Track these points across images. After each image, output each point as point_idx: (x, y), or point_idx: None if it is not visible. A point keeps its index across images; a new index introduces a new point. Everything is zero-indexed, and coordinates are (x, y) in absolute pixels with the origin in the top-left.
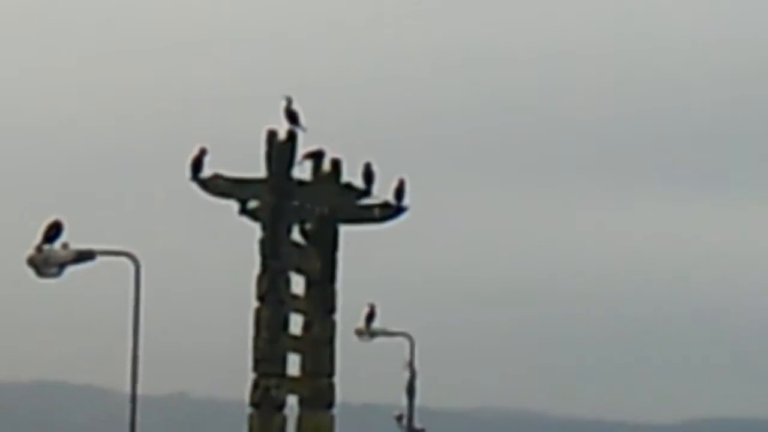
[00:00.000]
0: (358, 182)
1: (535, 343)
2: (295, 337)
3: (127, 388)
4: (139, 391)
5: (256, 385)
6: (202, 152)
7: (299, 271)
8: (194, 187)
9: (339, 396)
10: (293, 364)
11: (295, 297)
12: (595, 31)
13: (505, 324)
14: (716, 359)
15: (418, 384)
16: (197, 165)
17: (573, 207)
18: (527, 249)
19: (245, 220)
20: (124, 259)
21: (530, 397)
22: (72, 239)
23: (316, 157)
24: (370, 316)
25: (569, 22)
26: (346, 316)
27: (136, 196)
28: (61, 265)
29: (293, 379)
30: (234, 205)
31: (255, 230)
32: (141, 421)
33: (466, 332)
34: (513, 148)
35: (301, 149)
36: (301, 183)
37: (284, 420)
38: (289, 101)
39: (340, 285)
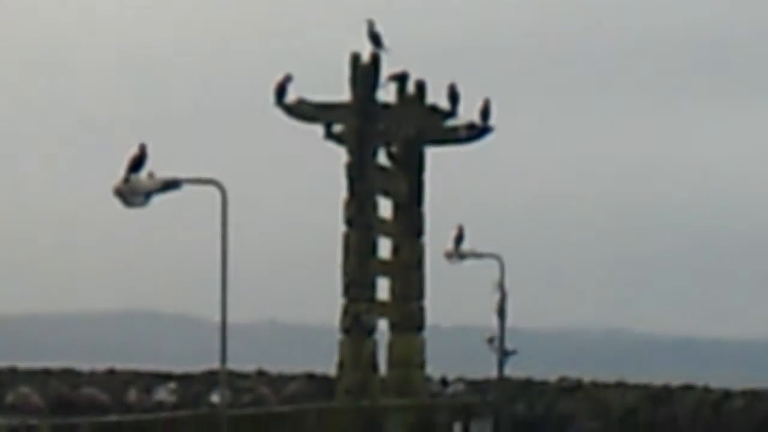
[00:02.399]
0: (443, 103)
1: (622, 262)
2: (383, 261)
3: (217, 317)
4: (229, 319)
5: (346, 311)
6: (287, 78)
7: (386, 194)
8: (279, 112)
9: (429, 319)
10: (383, 288)
11: (382, 221)
12: None
13: (592, 244)
14: None
15: (509, 305)
16: (281, 90)
17: (664, 130)
18: (615, 170)
19: (331, 145)
20: (210, 187)
21: (622, 316)
22: (157, 168)
23: (401, 79)
24: (459, 238)
25: None
26: (435, 239)
27: (220, 123)
28: (148, 194)
29: (383, 303)
30: (319, 130)
31: (341, 154)
32: (231, 348)
33: (554, 253)
34: (603, 70)
35: (385, 72)
36: (385, 106)
37: (375, 344)
38: (372, 24)
39: (427, 207)
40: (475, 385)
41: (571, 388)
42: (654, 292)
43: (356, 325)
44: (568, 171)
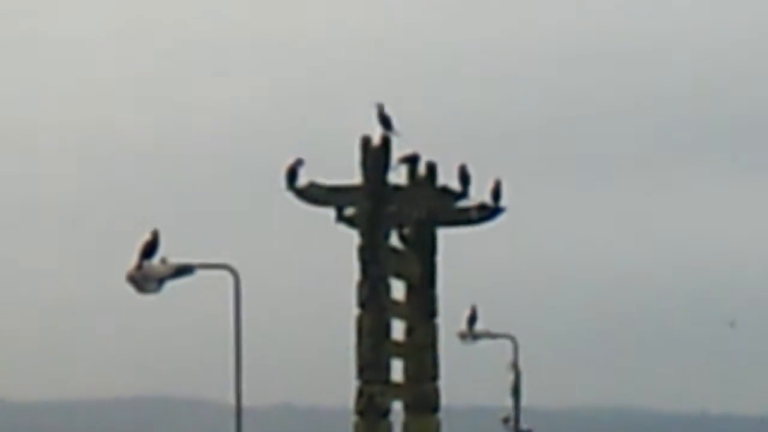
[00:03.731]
0: (454, 185)
1: (638, 340)
2: (397, 343)
3: (232, 401)
4: (244, 403)
5: (360, 393)
6: (298, 162)
7: (399, 276)
8: (290, 196)
9: (444, 400)
10: (397, 370)
11: (396, 303)
12: None
13: (607, 322)
14: None
15: (523, 385)
16: (292, 174)
17: (676, 203)
18: (627, 246)
19: (343, 228)
20: (223, 272)
21: (634, 393)
22: (169, 254)
23: (411, 161)
24: (472, 319)
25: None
26: (448, 320)
27: (232, 208)
28: (161, 280)
29: (397, 385)
30: (331, 213)
31: (353, 237)
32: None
33: (569, 331)
34: (609, 145)
35: (396, 154)
36: (397, 188)
37: (390, 426)
38: (381, 107)
39: (440, 289)
40: None
41: None
42: (671, 369)
43: (370, 408)
44: (581, 250)
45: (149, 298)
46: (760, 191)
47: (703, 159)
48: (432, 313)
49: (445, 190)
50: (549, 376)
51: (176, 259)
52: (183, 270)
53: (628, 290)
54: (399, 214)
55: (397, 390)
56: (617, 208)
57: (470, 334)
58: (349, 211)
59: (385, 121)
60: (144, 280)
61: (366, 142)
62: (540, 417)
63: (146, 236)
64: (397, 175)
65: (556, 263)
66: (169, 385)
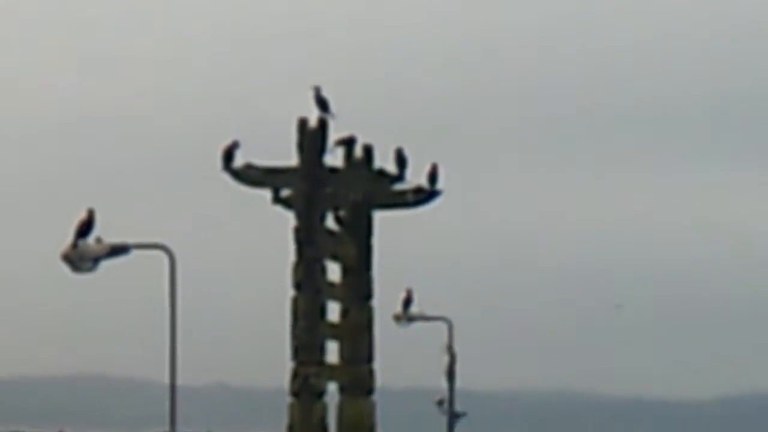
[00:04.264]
0: (391, 168)
1: (573, 323)
2: (332, 325)
3: (167, 380)
4: (179, 381)
5: (295, 374)
6: (234, 144)
7: (335, 258)
8: (226, 177)
9: (379, 382)
10: (332, 352)
11: (331, 284)
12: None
13: (541, 306)
14: (756, 336)
15: (458, 368)
16: (229, 156)
17: (606, 189)
18: (560, 231)
19: (279, 209)
20: (158, 252)
21: (569, 377)
22: (105, 233)
23: (348, 143)
24: (408, 302)
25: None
26: (384, 302)
27: (168, 189)
28: (96, 260)
29: (332, 366)
30: (267, 195)
31: (289, 219)
32: (181, 411)
33: (503, 315)
34: (544, 130)
35: (333, 136)
36: (333, 170)
37: (324, 408)
38: (318, 89)
39: (376, 271)
40: None
41: None
42: (606, 354)
43: (306, 389)
44: (517, 234)
45: (84, 278)
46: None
47: (638, 151)
48: (367, 295)
49: (382, 173)
50: (485, 359)
51: (111, 239)
52: (118, 249)
53: (565, 274)
54: (335, 196)
55: (332, 371)
56: (551, 190)
57: (405, 316)
58: (286, 193)
59: (322, 104)
60: (79, 259)
61: (303, 124)
62: (475, 399)
63: (82, 215)
64: (334, 158)
65: (491, 246)
66: (105, 364)
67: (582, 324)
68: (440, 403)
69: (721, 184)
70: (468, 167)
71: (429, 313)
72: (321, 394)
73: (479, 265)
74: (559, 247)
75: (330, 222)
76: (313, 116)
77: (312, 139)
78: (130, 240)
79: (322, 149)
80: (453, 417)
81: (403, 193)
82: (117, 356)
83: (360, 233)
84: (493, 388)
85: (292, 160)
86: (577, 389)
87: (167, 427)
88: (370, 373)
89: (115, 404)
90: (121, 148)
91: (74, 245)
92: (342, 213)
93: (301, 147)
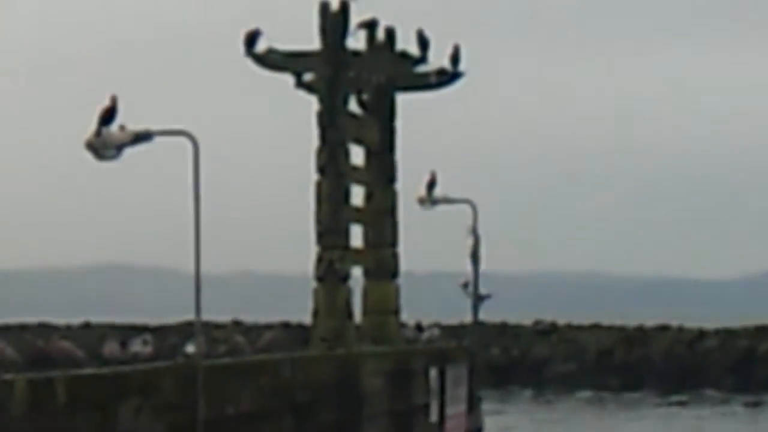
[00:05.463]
0: (413, 50)
1: (594, 204)
2: (356, 209)
3: (192, 268)
4: (204, 270)
5: (320, 259)
6: (256, 32)
7: (358, 141)
8: (249, 62)
9: (403, 265)
10: (356, 236)
11: (355, 168)
12: None
13: (564, 187)
14: None
15: (483, 250)
16: (251, 41)
17: (629, 65)
18: (584, 111)
19: (301, 93)
20: (182, 139)
21: (592, 257)
22: (129, 121)
23: (370, 26)
24: (431, 184)
25: None
26: (407, 186)
27: (191, 75)
28: (119, 147)
29: (357, 250)
30: (290, 79)
31: (312, 103)
32: (206, 299)
33: (528, 197)
34: (565, 10)
35: (355, 19)
36: (355, 53)
37: (349, 291)
38: None
39: (399, 154)
40: (450, 331)
41: (546, 331)
42: (628, 234)
43: (330, 273)
44: (541, 115)
45: (109, 166)
46: None
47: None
48: (391, 178)
49: (404, 55)
50: (509, 241)
51: (135, 126)
52: (141, 137)
53: (591, 156)
54: (358, 79)
55: (356, 255)
56: (576, 72)
57: (429, 199)
58: (308, 77)
59: None
60: (103, 146)
61: (324, 7)
62: (500, 282)
63: (105, 103)
64: (356, 41)
65: (515, 128)
66: (130, 254)
67: (603, 205)
68: (465, 285)
69: None
70: (491, 48)
71: (453, 195)
72: (345, 278)
73: (503, 147)
74: (585, 126)
75: (353, 105)
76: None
77: (334, 22)
78: (153, 127)
79: (344, 32)
80: (478, 299)
81: (425, 75)
82: (142, 245)
83: (383, 116)
84: (519, 269)
85: (314, 44)
86: (602, 270)
87: (193, 315)
88: (395, 256)
89: (140, 293)
90: (144, 34)
91: (98, 133)
92: (365, 96)
93: (324, 31)
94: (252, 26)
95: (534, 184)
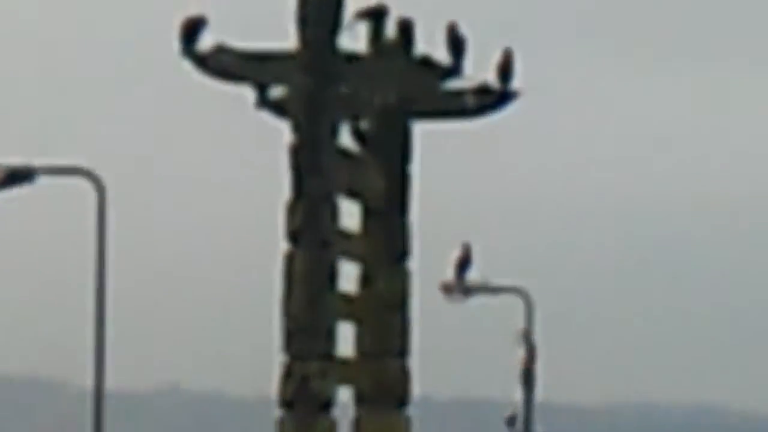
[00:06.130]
0: (441, 55)
1: (709, 300)
2: (347, 298)
3: (90, 382)
4: (116, 386)
5: (288, 374)
6: (200, 18)
7: (352, 194)
8: (187, 64)
9: (417, 388)
10: (345, 340)
11: (346, 235)
12: None
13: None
14: None
15: (539, 368)
16: (192, 33)
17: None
18: (693, 154)
19: (266, 117)
20: (80, 180)
21: (702, 383)
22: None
23: (375, 16)
24: (464, 264)
25: None
26: (427, 265)
27: (97, 84)
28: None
29: (345, 362)
30: (249, 93)
31: (283, 132)
32: (118, 423)
33: (610, 285)
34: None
35: (352, 6)
36: (351, 57)
37: (333, 426)
38: None
39: (415, 215)
40: None
41: None
42: (722, 360)
43: (304, 396)
44: (623, 152)
45: None
46: None
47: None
48: (402, 252)
49: (426, 63)
50: (579, 354)
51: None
52: (19, 175)
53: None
54: (354, 98)
55: (345, 370)
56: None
57: (460, 286)
58: (277, 92)
59: None
60: None
61: None
62: (557, 415)
63: None
64: (353, 38)
65: (594, 178)
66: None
67: (721, 304)
68: (511, 420)
69: None
70: (561, 58)
71: (496, 282)
72: (328, 404)
73: (574, 207)
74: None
75: (345, 138)
76: None
77: (320, 9)
78: (38, 160)
79: (335, 25)
80: None
81: (458, 94)
82: (17, 350)
83: (391, 156)
84: (589, 398)
85: (288, 40)
86: (713, 402)
87: None
88: (404, 373)
89: (10, 413)
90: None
91: None
92: (364, 125)
93: (303, 21)
94: (193, 11)
95: (620, 267)
